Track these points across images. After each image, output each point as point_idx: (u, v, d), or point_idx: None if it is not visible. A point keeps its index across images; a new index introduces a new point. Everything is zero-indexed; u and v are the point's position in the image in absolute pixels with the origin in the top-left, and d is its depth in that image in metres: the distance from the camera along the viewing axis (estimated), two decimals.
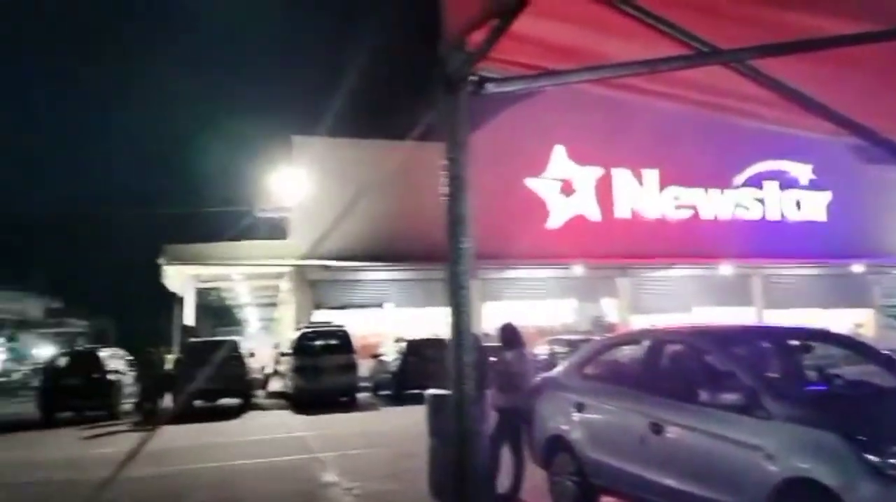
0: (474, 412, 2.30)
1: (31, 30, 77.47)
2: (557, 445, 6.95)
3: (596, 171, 26.67)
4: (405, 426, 11.44)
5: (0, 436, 15.60)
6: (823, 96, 2.54)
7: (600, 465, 6.38)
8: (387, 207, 21.19)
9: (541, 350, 18.53)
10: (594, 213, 26.64)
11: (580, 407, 6.77)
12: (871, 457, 4.27)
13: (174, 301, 28.07)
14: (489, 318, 18.64)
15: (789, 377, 5.90)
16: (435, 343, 16.64)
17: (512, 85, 2.48)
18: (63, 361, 19.71)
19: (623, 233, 26.12)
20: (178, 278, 25.78)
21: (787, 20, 2.29)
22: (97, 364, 18.69)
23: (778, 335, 6.94)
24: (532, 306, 25.01)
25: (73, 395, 17.93)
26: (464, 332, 2.27)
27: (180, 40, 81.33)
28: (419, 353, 17.87)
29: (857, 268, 27.80)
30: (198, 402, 17.46)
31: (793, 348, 6.28)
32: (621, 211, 26.99)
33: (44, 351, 40.18)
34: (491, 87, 2.37)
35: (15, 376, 33.94)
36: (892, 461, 4.24)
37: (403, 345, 19.24)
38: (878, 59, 2.38)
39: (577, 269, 25.11)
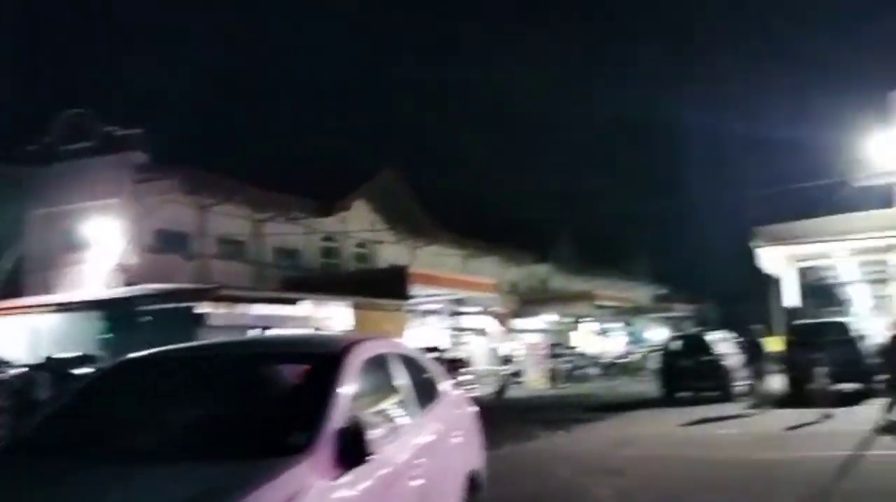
0: None
1: None
2: None
3: None
4: None
5: (631, 412, 17.74)
6: None
7: None
8: None
9: None
10: None
11: None
12: None
13: (769, 283, 27.64)
14: None
15: None
16: None
17: None
18: (676, 345, 21.38)
19: None
20: (774, 259, 25.30)
21: None
22: (707, 347, 19.79)
23: None
24: None
25: (688, 377, 19.31)
26: None
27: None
28: None
29: None
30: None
31: None
32: None
33: (655, 334, 43.84)
34: None
35: (633, 358, 37.69)
36: None
37: None
38: None
39: None
